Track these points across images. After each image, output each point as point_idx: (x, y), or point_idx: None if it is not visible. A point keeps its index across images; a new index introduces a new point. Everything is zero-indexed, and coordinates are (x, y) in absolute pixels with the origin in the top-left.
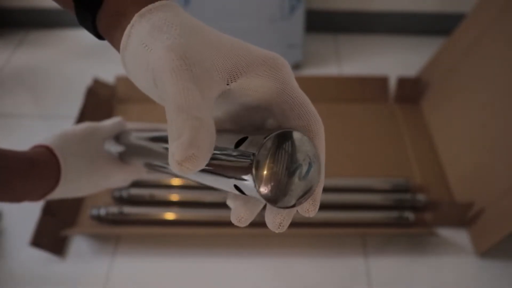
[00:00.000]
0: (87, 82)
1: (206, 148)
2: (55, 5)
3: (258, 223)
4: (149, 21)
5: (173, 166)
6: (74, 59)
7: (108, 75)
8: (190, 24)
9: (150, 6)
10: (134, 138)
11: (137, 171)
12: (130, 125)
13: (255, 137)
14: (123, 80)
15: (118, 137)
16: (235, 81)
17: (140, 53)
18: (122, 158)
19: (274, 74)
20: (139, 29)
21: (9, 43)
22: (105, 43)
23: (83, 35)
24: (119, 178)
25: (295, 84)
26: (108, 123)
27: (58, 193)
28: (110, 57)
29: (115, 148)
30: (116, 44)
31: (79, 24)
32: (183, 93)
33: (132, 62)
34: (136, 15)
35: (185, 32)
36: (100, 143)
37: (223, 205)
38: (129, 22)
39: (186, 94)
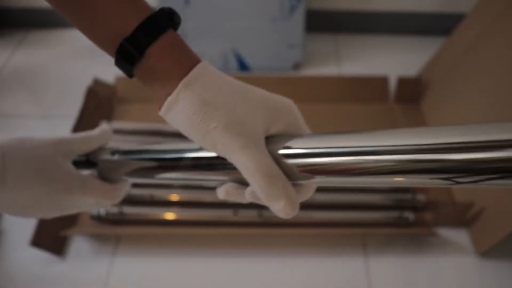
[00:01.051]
0: (87, 82)
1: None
2: None
3: (258, 224)
4: (195, 93)
5: (282, 215)
6: (74, 59)
7: (108, 75)
8: (228, 89)
9: (193, 75)
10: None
11: (115, 190)
12: (118, 125)
13: None
14: (123, 80)
15: (95, 153)
16: (267, 133)
17: (195, 123)
18: (103, 174)
19: (293, 121)
20: (188, 99)
21: (9, 43)
22: None
23: (83, 35)
24: (90, 199)
25: (302, 122)
26: (80, 136)
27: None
28: (110, 58)
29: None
30: (152, 92)
31: (115, 64)
32: (266, 165)
33: (177, 122)
34: (181, 84)
35: (230, 101)
36: (64, 159)
37: (223, 205)
38: (171, 85)
39: (268, 164)
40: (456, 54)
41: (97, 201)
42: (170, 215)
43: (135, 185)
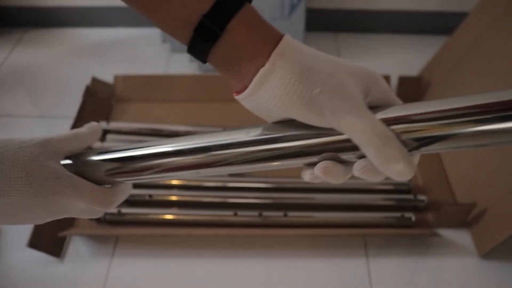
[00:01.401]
0: (85, 81)
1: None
2: (53, 3)
3: (259, 224)
4: (292, 60)
5: (400, 177)
6: (73, 58)
7: (107, 75)
8: (322, 56)
9: (284, 43)
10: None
11: (109, 195)
12: (117, 124)
13: None
14: (122, 80)
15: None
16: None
17: (297, 91)
18: (94, 177)
19: (386, 89)
20: (286, 66)
21: (7, 42)
22: (103, 42)
23: (82, 35)
24: (79, 203)
25: (393, 92)
26: (68, 135)
27: None
28: (108, 57)
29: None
30: (232, 74)
31: (188, 51)
32: (379, 126)
33: (271, 97)
34: (275, 53)
35: (329, 67)
36: (51, 159)
37: (223, 206)
38: (261, 55)
39: (381, 125)
40: (458, 53)
41: (88, 205)
42: (169, 216)
43: (134, 185)
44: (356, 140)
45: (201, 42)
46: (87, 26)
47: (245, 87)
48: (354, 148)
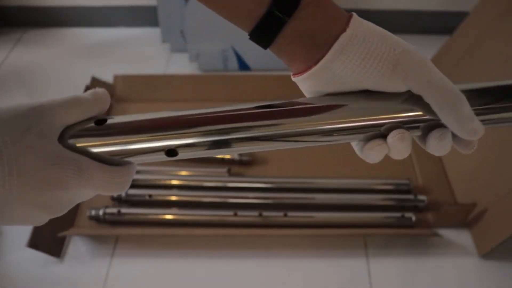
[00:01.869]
0: (85, 81)
1: None
2: (53, 3)
3: (259, 224)
4: (369, 27)
5: (476, 136)
6: (72, 58)
7: (107, 75)
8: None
9: (357, 17)
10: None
11: (120, 175)
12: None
13: None
14: (122, 80)
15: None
16: None
17: (381, 51)
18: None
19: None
20: (365, 32)
21: (7, 42)
22: (102, 42)
23: (82, 35)
24: (88, 188)
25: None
26: (64, 101)
27: None
28: (108, 57)
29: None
30: (302, 51)
31: (250, 38)
32: (456, 88)
33: (351, 64)
34: (353, 20)
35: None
36: (43, 138)
37: (223, 206)
38: (336, 29)
39: (457, 88)
40: (458, 53)
41: (97, 192)
42: (169, 216)
43: (133, 185)
44: (437, 99)
45: (268, 29)
46: (87, 26)
47: (315, 63)
48: (426, 120)
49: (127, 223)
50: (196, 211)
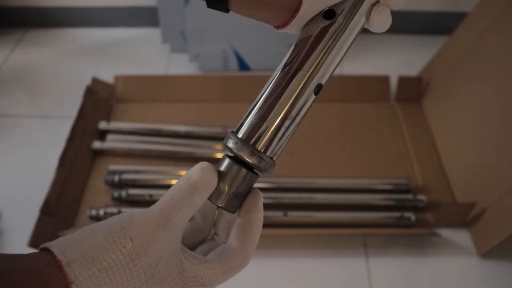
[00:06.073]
0: (86, 81)
1: None
2: (53, 3)
3: None
4: None
5: None
6: (73, 58)
7: (107, 75)
8: None
9: None
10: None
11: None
12: (117, 124)
13: None
14: (122, 80)
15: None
16: None
17: None
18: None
19: None
20: None
21: (7, 42)
22: (103, 42)
23: (82, 35)
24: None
25: None
26: (182, 208)
27: None
28: (108, 57)
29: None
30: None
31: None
32: None
33: None
34: None
35: None
36: (177, 243)
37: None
38: None
39: None
40: (458, 53)
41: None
42: None
43: (133, 185)
44: None
45: None
46: (87, 26)
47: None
48: None
49: None
50: None
